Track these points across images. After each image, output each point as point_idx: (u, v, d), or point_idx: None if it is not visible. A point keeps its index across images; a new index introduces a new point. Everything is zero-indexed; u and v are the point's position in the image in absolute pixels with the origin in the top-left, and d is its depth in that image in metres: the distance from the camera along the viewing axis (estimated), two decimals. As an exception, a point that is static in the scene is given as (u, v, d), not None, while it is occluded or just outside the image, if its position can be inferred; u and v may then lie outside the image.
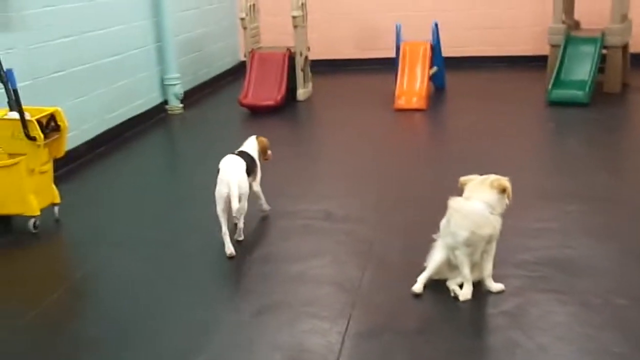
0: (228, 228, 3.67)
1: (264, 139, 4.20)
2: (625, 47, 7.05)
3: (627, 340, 2.73)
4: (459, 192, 3.18)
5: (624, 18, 6.92)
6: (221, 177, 3.69)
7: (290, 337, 2.89)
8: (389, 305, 3.11)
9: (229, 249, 3.63)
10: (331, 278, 3.39)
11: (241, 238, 3.82)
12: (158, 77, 6.85)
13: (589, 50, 6.80)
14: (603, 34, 6.81)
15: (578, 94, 6.47)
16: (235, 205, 3.55)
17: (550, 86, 6.65)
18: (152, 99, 6.73)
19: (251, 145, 4.13)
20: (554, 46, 7.06)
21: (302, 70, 7.24)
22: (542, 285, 3.20)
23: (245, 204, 3.77)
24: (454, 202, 3.14)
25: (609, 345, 2.71)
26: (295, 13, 7.05)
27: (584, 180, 4.57)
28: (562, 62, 6.84)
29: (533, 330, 2.84)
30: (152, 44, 6.72)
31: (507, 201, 3.09)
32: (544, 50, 7.35)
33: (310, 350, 2.79)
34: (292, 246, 3.79)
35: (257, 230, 4.02)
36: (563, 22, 7.06)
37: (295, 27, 7.09)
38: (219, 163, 3.80)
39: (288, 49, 7.16)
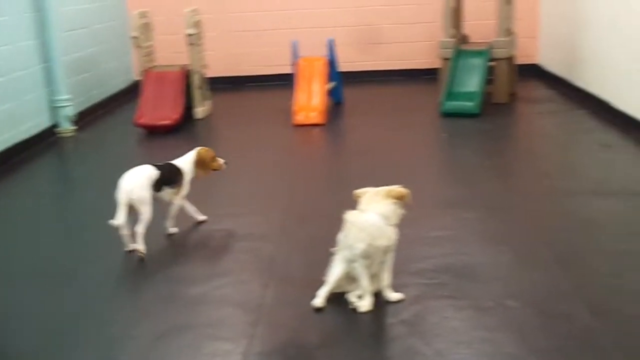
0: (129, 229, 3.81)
1: (204, 150, 4.17)
2: (510, 59, 7.38)
3: (519, 341, 2.83)
4: (356, 205, 3.23)
5: (509, 32, 7.25)
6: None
7: (191, 361, 2.83)
8: (291, 321, 3.11)
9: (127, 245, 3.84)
10: (233, 298, 3.35)
11: (139, 249, 3.76)
12: (46, 99, 6.59)
13: (478, 62, 7.08)
14: (490, 47, 7.11)
15: (469, 105, 6.72)
16: (115, 221, 3.66)
17: (442, 98, 6.87)
18: (40, 122, 6.46)
19: (187, 157, 4.12)
20: (445, 59, 7.31)
21: (200, 88, 7.18)
22: (439, 292, 3.28)
23: (144, 212, 3.78)
24: (350, 216, 3.17)
25: (502, 347, 2.80)
26: (190, 31, 6.98)
27: (477, 188, 4.74)
28: (453, 75, 7.08)
29: (431, 337, 2.90)
30: (38, 65, 6.47)
31: (401, 211, 3.16)
32: (437, 63, 7.61)
33: (212, 372, 2.75)
34: (193, 267, 3.73)
35: (157, 251, 3.92)
36: (453, 37, 7.33)
37: (190, 45, 7.02)
38: (115, 186, 3.71)
39: (184, 67, 7.08)
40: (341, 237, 3.23)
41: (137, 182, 3.79)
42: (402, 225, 3.22)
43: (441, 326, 2.99)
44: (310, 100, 6.89)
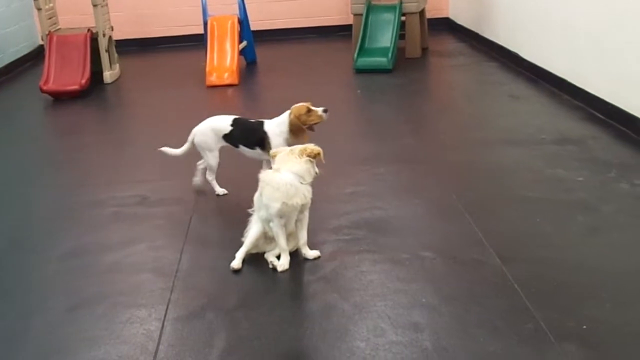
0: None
1: (294, 115, 3.71)
2: (422, 13, 7.44)
3: (434, 290, 2.90)
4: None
5: (419, -14, 7.29)
6: None
7: (107, 330, 2.77)
8: (208, 284, 3.08)
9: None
10: (148, 264, 3.29)
11: (220, 192, 4.01)
12: (-57, 67, 6.23)
13: (389, 17, 7.10)
14: (401, 2, 7.12)
15: (382, 60, 6.74)
16: (171, 151, 4.00)
17: (355, 54, 6.87)
18: (-63, 92, 6.12)
19: (279, 118, 3.81)
20: (357, 15, 7.29)
21: (107, 51, 6.92)
22: (356, 247, 3.32)
23: (204, 157, 3.97)
24: (264, 175, 3.15)
25: (418, 296, 2.86)
26: (93, -9, 6.69)
27: (391, 143, 4.78)
28: (365, 31, 7.08)
29: (349, 292, 2.93)
30: None
31: (316, 170, 3.16)
32: (350, 19, 7.58)
33: (129, 341, 2.69)
34: (105, 235, 3.63)
35: (65, 222, 3.80)
36: (364, -8, 7.30)
37: (94, 6, 6.73)
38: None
39: (89, 30, 6.80)
40: (257, 197, 3.21)
41: (201, 128, 3.92)
42: (318, 182, 3.23)
43: (358, 280, 3.03)
44: (222, 61, 6.77)
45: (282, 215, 3.11)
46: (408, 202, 3.79)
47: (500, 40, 6.95)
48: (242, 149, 3.90)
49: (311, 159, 3.12)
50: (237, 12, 7.13)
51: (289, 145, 3.61)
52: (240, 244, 3.22)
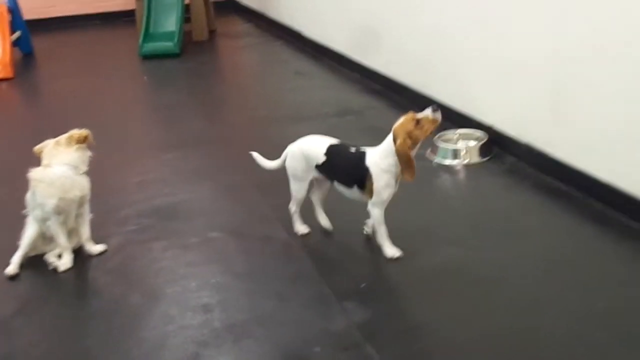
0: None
1: (402, 124, 2.68)
2: (206, -4, 7.38)
3: (223, 270, 2.92)
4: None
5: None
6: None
7: None
8: (-18, 295, 2.86)
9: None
10: None
11: (302, 231, 3.16)
12: None
13: (173, 1, 6.96)
14: (183, -15, 7.01)
15: (168, 45, 6.61)
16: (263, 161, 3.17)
17: (141, 40, 6.67)
18: None
19: (383, 147, 2.76)
20: (139, 0, 7.08)
21: None
22: (145, 236, 3.24)
23: (291, 186, 3.09)
24: (34, 173, 2.96)
25: (208, 278, 2.86)
26: None
27: (181, 128, 4.71)
28: (149, 16, 6.90)
29: (137, 283, 2.86)
30: None
31: (88, 154, 3.03)
32: (134, 4, 7.33)
33: None
34: None
35: None
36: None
37: None
38: None
39: None
40: (29, 197, 3.02)
41: (293, 149, 3.01)
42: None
43: (147, 270, 2.97)
44: (-7, 54, 6.27)
45: (59, 211, 2.95)
46: (198, 185, 3.76)
47: (284, 19, 7.08)
48: (337, 186, 2.96)
49: (81, 145, 2.99)
50: (6, 0, 6.63)
51: (395, 182, 2.79)
52: (17, 249, 3.02)
